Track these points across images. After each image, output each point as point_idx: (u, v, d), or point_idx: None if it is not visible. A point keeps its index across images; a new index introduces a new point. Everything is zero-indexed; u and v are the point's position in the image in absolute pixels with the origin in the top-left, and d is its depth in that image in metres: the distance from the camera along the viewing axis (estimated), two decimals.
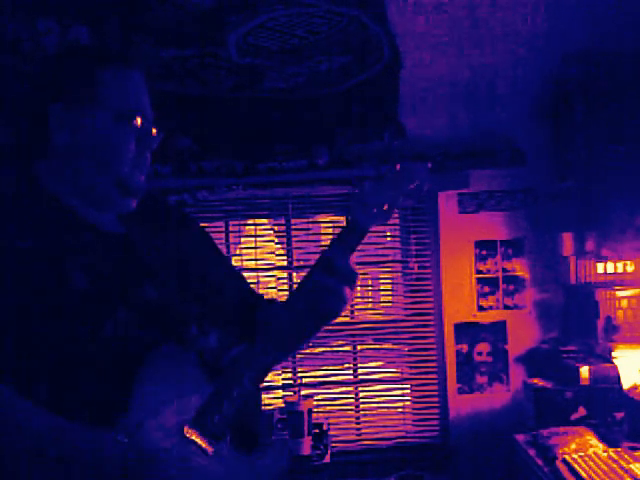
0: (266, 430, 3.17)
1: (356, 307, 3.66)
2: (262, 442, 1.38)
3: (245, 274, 2.43)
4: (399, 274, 3.67)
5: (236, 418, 1.18)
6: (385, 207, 1.28)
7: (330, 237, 3.77)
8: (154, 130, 1.28)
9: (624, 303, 3.02)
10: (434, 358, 3.59)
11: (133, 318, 1.19)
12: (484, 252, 3.47)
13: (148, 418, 1.11)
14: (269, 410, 3.35)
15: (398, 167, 1.30)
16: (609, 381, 2.82)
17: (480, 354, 3.48)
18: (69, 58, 1.29)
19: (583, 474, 2.25)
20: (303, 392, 3.55)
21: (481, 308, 3.48)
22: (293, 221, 3.63)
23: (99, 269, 1.18)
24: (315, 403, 3.38)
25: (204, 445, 1.13)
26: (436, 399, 3.60)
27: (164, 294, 1.25)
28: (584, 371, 2.87)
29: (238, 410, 1.17)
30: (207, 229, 1.62)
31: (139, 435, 1.08)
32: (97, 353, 1.13)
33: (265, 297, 1.53)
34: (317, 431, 3.20)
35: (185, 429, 1.13)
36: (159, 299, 1.24)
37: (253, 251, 3.61)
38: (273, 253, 3.66)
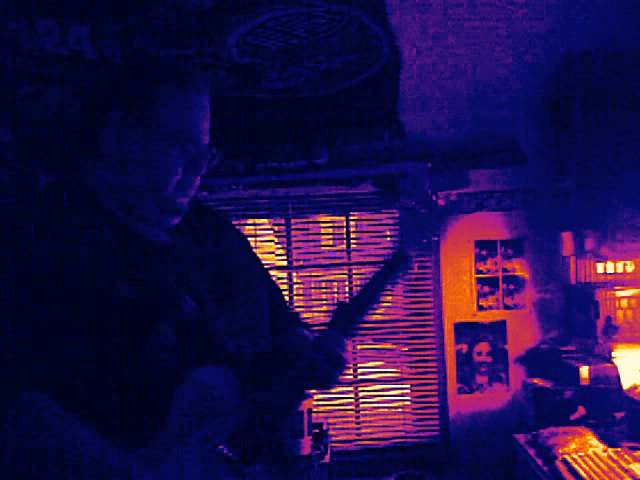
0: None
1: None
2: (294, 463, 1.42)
3: None
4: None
5: (268, 441, 1.19)
6: (431, 235, 1.31)
7: (329, 237, 3.77)
8: (208, 155, 1.24)
9: (624, 303, 3.02)
10: (434, 358, 3.59)
11: (175, 331, 1.17)
12: (484, 252, 3.47)
13: (183, 440, 1.11)
14: None
15: (453, 197, 1.33)
16: (609, 381, 2.82)
17: (480, 354, 3.48)
18: (134, 69, 1.26)
19: (583, 474, 2.25)
20: None
21: (481, 308, 3.48)
22: (293, 221, 3.63)
23: (142, 279, 1.17)
24: (315, 403, 3.38)
25: (236, 467, 1.15)
26: (436, 399, 3.60)
27: (203, 307, 1.24)
28: (584, 371, 2.87)
29: (270, 433, 1.19)
30: None
31: (171, 462, 1.08)
32: (139, 367, 1.12)
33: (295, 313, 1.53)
34: (317, 431, 3.19)
35: (219, 449, 1.14)
36: (198, 312, 1.22)
37: None
38: (273, 253, 3.66)
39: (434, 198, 1.37)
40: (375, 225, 3.66)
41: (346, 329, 1.30)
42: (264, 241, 3.68)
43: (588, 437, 2.59)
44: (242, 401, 1.21)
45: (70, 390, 1.07)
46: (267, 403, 1.21)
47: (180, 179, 1.22)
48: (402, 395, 3.67)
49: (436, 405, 3.60)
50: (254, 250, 1.53)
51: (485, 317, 3.49)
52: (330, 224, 3.78)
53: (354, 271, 3.62)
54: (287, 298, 3.62)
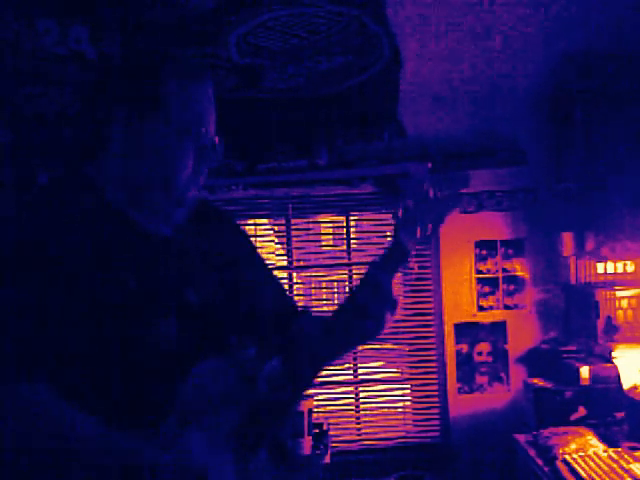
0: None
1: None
2: (296, 456, 1.43)
3: None
4: (399, 274, 3.67)
5: (273, 432, 1.21)
6: (429, 227, 1.30)
7: (330, 237, 3.77)
8: (215, 147, 1.25)
9: (624, 303, 3.02)
10: (434, 358, 3.59)
11: (179, 323, 1.19)
12: (484, 252, 3.47)
13: (189, 429, 1.12)
14: None
15: (431, 193, 1.32)
16: (609, 381, 2.81)
17: (480, 354, 3.48)
18: (138, 64, 1.27)
19: (583, 474, 2.25)
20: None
21: (481, 308, 3.48)
22: (293, 221, 3.63)
23: (147, 271, 1.18)
24: (315, 403, 3.38)
25: (243, 457, 1.16)
26: (436, 399, 3.60)
27: (205, 301, 1.25)
28: (584, 371, 2.87)
29: (275, 424, 1.21)
30: None
31: (180, 446, 1.10)
32: (143, 358, 1.13)
33: (298, 307, 1.54)
34: (317, 431, 3.19)
35: (225, 442, 1.15)
36: (201, 306, 1.23)
37: None
38: (273, 253, 3.66)
39: (430, 192, 1.36)
40: (376, 225, 3.66)
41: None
42: (264, 241, 3.68)
43: (588, 437, 2.59)
44: (246, 393, 1.22)
45: (74, 379, 1.08)
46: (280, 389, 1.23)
47: (191, 171, 1.23)
48: (403, 395, 3.68)
49: (437, 405, 3.60)
50: (252, 245, 1.54)
51: (485, 317, 3.49)
52: (330, 224, 3.78)
53: (355, 271, 3.62)
54: None
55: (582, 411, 2.84)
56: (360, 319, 1.23)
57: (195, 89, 1.22)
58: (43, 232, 1.12)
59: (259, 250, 1.56)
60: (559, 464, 2.41)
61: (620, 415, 2.72)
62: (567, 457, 2.42)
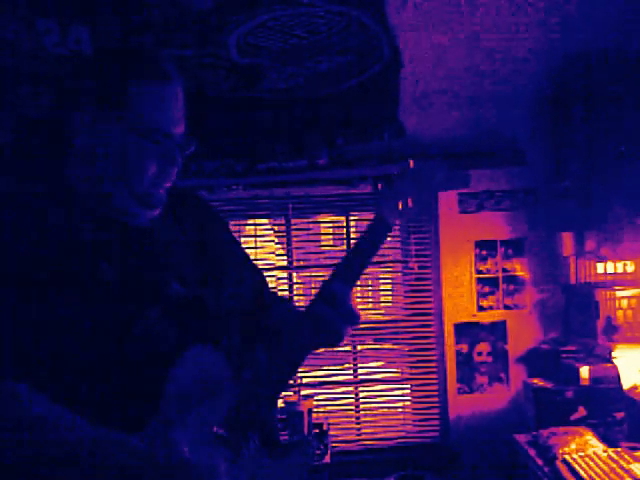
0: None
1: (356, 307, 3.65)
2: (288, 441, 1.43)
3: None
4: (399, 274, 3.67)
5: (261, 419, 1.21)
6: (409, 201, 1.30)
7: (330, 237, 3.77)
8: (183, 146, 1.24)
9: (624, 303, 3.02)
10: (434, 358, 3.59)
11: (163, 316, 1.19)
12: (484, 252, 3.47)
13: (178, 422, 1.12)
14: None
15: (411, 164, 1.33)
16: (609, 381, 2.81)
17: (480, 354, 3.48)
18: (106, 62, 1.23)
19: (583, 474, 2.25)
20: (303, 392, 3.55)
21: (481, 308, 3.48)
22: (293, 221, 3.63)
23: (126, 263, 1.18)
24: (315, 403, 3.38)
25: (234, 445, 1.17)
26: (436, 399, 3.60)
27: (189, 290, 1.25)
28: (584, 371, 2.87)
29: (262, 411, 1.21)
30: None
31: (169, 438, 1.09)
32: (127, 352, 1.13)
33: (278, 295, 1.54)
34: (317, 431, 3.20)
35: (215, 429, 1.16)
36: (184, 295, 1.23)
37: (253, 251, 3.61)
38: (273, 253, 3.66)
39: (411, 165, 1.37)
40: None
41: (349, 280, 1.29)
42: (264, 241, 3.68)
43: (588, 437, 2.59)
44: (234, 381, 1.22)
45: (57, 375, 1.08)
46: (261, 379, 1.23)
47: (155, 172, 1.21)
48: (402, 395, 3.67)
49: (436, 405, 3.60)
50: (231, 233, 1.53)
51: (485, 317, 3.48)
52: (330, 224, 3.78)
53: None
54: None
55: (582, 411, 2.84)
56: (319, 331, 1.26)
57: (160, 89, 1.19)
58: (22, 233, 1.13)
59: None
60: (559, 464, 2.41)
61: (620, 415, 2.72)
62: (567, 457, 2.42)
